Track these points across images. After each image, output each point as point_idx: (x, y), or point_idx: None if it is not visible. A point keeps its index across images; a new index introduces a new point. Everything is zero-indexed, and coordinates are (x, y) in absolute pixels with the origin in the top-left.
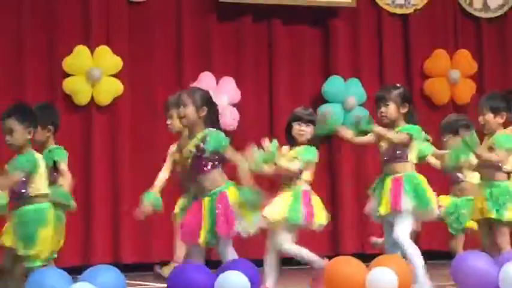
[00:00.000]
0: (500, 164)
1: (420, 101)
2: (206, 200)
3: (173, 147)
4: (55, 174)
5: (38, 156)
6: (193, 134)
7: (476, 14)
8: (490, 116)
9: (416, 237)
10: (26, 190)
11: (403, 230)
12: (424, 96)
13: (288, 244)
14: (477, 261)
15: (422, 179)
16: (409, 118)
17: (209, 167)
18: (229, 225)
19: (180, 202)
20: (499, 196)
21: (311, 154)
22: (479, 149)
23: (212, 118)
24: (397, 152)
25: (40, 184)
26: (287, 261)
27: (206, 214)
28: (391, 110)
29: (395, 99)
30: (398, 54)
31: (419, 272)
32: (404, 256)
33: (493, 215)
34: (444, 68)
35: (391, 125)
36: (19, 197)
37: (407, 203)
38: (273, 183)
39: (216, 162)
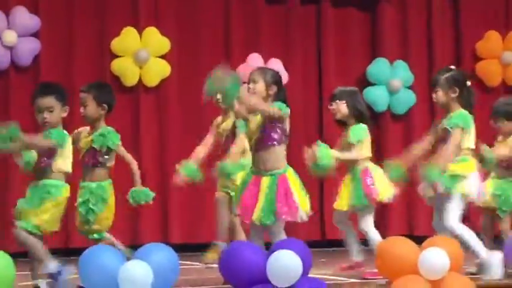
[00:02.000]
0: None
1: (472, 83)
2: (265, 180)
3: (218, 119)
4: (106, 157)
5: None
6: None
7: None
8: (503, 122)
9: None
10: (49, 163)
11: (452, 215)
12: (476, 79)
13: (371, 228)
14: None
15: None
16: (462, 102)
17: (274, 143)
18: (290, 208)
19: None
20: None
21: (360, 133)
22: None
23: (280, 97)
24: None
25: (62, 162)
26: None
27: (263, 194)
28: (439, 95)
29: (443, 85)
30: (449, 36)
31: (476, 249)
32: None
33: None
34: (496, 49)
35: (445, 110)
36: (40, 169)
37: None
38: None
39: (283, 139)
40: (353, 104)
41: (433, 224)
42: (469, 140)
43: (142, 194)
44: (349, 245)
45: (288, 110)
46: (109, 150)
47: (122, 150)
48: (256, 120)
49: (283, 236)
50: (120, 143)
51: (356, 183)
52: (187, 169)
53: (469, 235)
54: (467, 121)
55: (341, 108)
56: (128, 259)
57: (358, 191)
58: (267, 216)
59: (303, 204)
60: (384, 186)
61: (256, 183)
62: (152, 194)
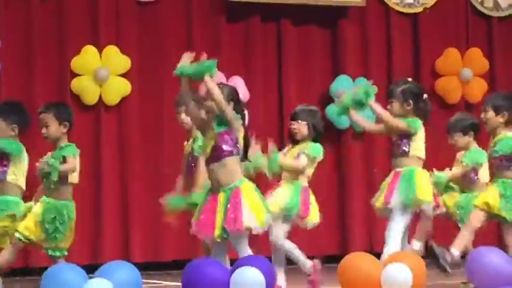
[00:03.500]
0: None
1: (432, 99)
2: (221, 195)
3: (186, 144)
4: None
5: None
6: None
7: (488, 12)
8: (491, 114)
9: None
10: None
11: (394, 227)
12: (436, 95)
13: (283, 239)
14: (492, 257)
15: (419, 174)
16: (418, 113)
17: (226, 156)
18: (237, 222)
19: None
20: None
21: (317, 151)
22: None
23: (237, 112)
24: (401, 146)
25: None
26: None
27: (221, 209)
28: (394, 107)
29: (398, 97)
30: (408, 53)
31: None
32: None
33: (504, 214)
34: (456, 66)
35: None
36: None
37: (396, 198)
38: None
39: (234, 151)
40: (313, 124)
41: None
42: (418, 148)
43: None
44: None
45: (241, 123)
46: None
47: (72, 160)
48: (209, 135)
49: (245, 250)
50: (76, 156)
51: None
52: (171, 203)
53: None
54: (416, 125)
55: (302, 129)
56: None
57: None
58: (223, 231)
59: (257, 215)
60: (314, 210)
61: (214, 199)
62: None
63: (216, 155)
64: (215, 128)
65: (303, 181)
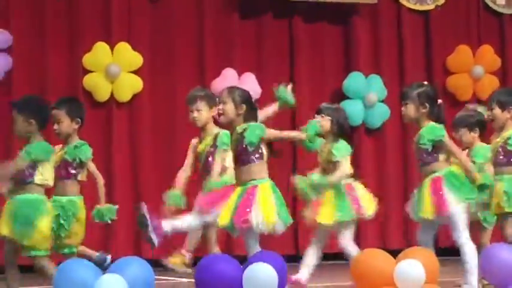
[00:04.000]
0: None
1: (443, 97)
2: (238, 189)
3: (195, 141)
4: (77, 170)
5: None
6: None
7: (500, 9)
8: (497, 111)
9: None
10: (32, 177)
11: (462, 230)
12: (447, 92)
13: (350, 243)
14: (506, 254)
15: (460, 172)
16: (433, 116)
17: (247, 161)
18: (247, 219)
19: None
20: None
21: (344, 149)
22: None
23: (251, 116)
24: (431, 153)
25: (48, 175)
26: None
27: (233, 199)
28: (409, 109)
29: (414, 99)
30: (420, 50)
31: (471, 272)
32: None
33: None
34: (467, 63)
35: (413, 123)
36: (22, 184)
37: (453, 204)
38: None
39: (256, 156)
40: (337, 120)
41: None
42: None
43: (106, 210)
44: (308, 260)
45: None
46: (80, 163)
47: (92, 165)
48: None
49: (253, 245)
50: (91, 157)
51: (340, 198)
52: (172, 198)
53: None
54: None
55: (325, 124)
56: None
57: (344, 206)
58: (225, 218)
59: (266, 217)
60: (367, 202)
61: (229, 190)
62: (115, 208)
63: (243, 159)
64: (247, 136)
65: (345, 180)
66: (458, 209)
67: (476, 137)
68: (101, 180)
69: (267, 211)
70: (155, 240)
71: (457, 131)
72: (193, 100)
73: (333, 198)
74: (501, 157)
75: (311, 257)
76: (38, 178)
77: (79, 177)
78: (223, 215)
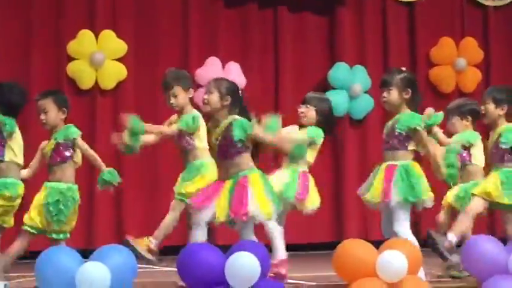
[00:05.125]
0: None
1: (426, 88)
2: (228, 182)
3: (173, 118)
4: (72, 151)
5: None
6: (217, 122)
7: (483, 2)
8: (491, 106)
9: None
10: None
11: (403, 224)
12: (430, 84)
13: (274, 222)
14: (487, 246)
15: (416, 169)
16: (411, 104)
17: (234, 154)
18: (243, 210)
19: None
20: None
21: (316, 133)
22: None
23: (236, 107)
24: (401, 140)
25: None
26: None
27: (226, 193)
28: (393, 95)
29: (398, 84)
30: (404, 41)
31: None
32: None
33: (505, 200)
34: (450, 56)
35: (393, 111)
36: None
37: (397, 196)
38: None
39: (242, 149)
40: (322, 111)
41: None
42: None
43: (111, 174)
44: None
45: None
46: (73, 142)
47: (83, 143)
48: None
49: (250, 236)
50: (80, 136)
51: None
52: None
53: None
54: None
55: (309, 113)
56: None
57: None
58: (226, 216)
59: (262, 206)
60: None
61: (219, 184)
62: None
63: (224, 153)
64: (234, 131)
65: (303, 167)
66: (400, 201)
67: (469, 125)
68: (94, 154)
69: (262, 201)
70: None
71: (449, 119)
72: (168, 86)
73: (285, 176)
74: (494, 156)
75: None
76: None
77: (75, 159)
78: (220, 211)
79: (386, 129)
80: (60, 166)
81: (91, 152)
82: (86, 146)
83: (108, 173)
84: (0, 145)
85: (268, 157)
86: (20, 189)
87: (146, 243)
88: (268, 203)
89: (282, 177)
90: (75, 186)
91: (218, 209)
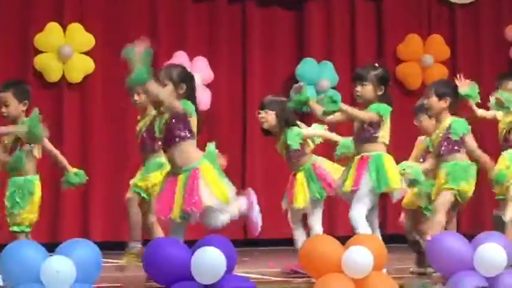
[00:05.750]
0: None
1: (392, 85)
2: (180, 177)
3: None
4: (30, 145)
5: None
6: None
7: None
8: (434, 100)
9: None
10: None
11: (359, 209)
12: (397, 81)
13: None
14: (451, 242)
15: (388, 160)
16: (383, 100)
17: (178, 140)
18: (196, 202)
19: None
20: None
21: (296, 137)
22: None
23: (190, 94)
24: (367, 132)
25: None
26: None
27: (180, 190)
28: (367, 90)
29: (373, 80)
30: (371, 37)
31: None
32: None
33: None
34: (417, 52)
35: (365, 105)
36: None
37: (366, 183)
38: None
39: (188, 135)
40: (282, 114)
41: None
42: (385, 135)
43: (76, 174)
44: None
45: (193, 108)
46: None
47: (46, 141)
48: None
49: (216, 220)
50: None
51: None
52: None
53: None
54: (386, 112)
55: (270, 118)
56: None
57: (315, 185)
58: (180, 212)
59: (219, 194)
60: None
61: (173, 181)
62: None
63: (169, 140)
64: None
65: (308, 161)
66: (365, 189)
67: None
68: (57, 152)
69: (218, 190)
70: None
71: (417, 117)
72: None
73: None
74: (443, 148)
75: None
76: None
77: (34, 153)
78: (175, 208)
79: (358, 124)
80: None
81: (54, 150)
82: (48, 144)
83: (75, 176)
84: None
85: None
86: None
87: (134, 253)
88: (222, 188)
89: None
90: (33, 178)
91: (176, 207)
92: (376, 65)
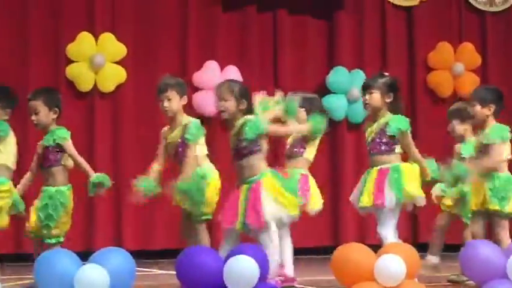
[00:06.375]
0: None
1: (423, 93)
2: (243, 188)
3: (164, 130)
4: (58, 155)
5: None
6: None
7: (481, 7)
8: (477, 108)
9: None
10: None
11: (387, 228)
12: (428, 89)
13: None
14: (485, 250)
15: (406, 169)
16: (393, 108)
17: (247, 154)
18: (259, 217)
19: None
20: (500, 188)
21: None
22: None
23: (251, 109)
24: (385, 145)
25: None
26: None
27: (242, 202)
28: (375, 98)
29: (380, 88)
30: (402, 46)
31: None
32: None
33: (496, 206)
34: (448, 60)
35: (374, 113)
36: None
37: (389, 198)
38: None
39: (255, 149)
40: (312, 110)
41: None
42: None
43: (103, 178)
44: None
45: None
46: (60, 148)
47: (70, 149)
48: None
49: (268, 241)
50: (69, 140)
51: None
52: (145, 183)
53: None
54: (408, 127)
55: (301, 115)
56: None
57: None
58: (242, 224)
59: (284, 205)
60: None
61: (237, 192)
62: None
63: (240, 154)
64: (246, 132)
65: (304, 167)
66: (390, 205)
67: (468, 128)
68: (81, 159)
69: (282, 201)
70: None
71: (451, 123)
72: (163, 89)
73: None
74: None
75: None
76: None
77: (62, 162)
78: (238, 220)
79: (372, 134)
80: (48, 170)
81: (78, 158)
82: (73, 151)
83: (97, 177)
84: None
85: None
86: (4, 186)
87: None
88: (289, 200)
89: None
90: (65, 189)
91: (239, 218)
92: (384, 73)
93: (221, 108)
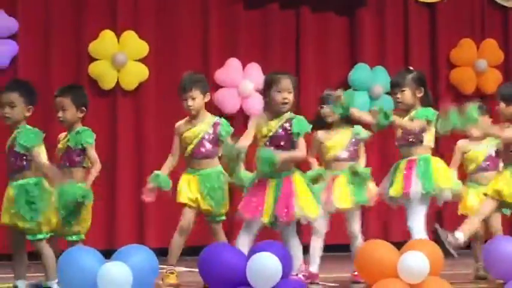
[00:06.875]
0: None
1: (446, 90)
2: (272, 182)
3: (178, 125)
4: (81, 156)
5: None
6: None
7: (504, 3)
8: (502, 105)
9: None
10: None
11: (416, 221)
12: (450, 85)
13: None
14: (509, 246)
15: (435, 161)
16: (424, 101)
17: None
18: (290, 212)
19: None
20: None
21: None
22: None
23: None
24: (413, 136)
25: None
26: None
27: (271, 195)
28: (407, 95)
29: (410, 84)
30: (425, 43)
31: None
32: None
33: None
34: (471, 57)
35: (408, 110)
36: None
37: (417, 189)
38: None
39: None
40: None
41: None
42: (431, 139)
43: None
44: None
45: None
46: (83, 149)
47: (91, 151)
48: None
49: (293, 237)
50: (93, 143)
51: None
52: (158, 180)
53: None
54: (434, 117)
55: (329, 112)
56: None
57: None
58: (270, 217)
59: (307, 206)
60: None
61: (263, 184)
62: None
63: (278, 146)
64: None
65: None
66: (418, 195)
67: None
68: (97, 167)
69: (308, 201)
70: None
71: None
72: (187, 88)
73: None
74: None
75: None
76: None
77: (84, 164)
78: (265, 213)
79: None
80: (69, 169)
81: (96, 162)
82: (94, 157)
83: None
84: None
85: None
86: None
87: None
88: (313, 203)
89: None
90: (85, 186)
91: (266, 213)
92: (410, 68)
93: (285, 100)
